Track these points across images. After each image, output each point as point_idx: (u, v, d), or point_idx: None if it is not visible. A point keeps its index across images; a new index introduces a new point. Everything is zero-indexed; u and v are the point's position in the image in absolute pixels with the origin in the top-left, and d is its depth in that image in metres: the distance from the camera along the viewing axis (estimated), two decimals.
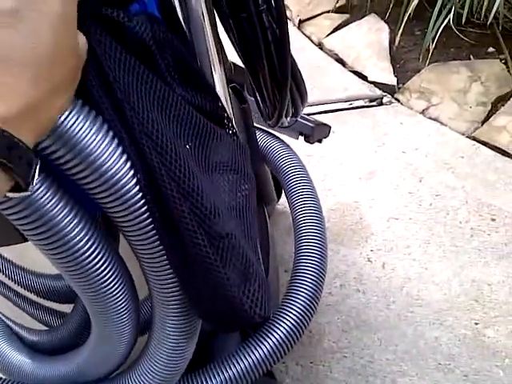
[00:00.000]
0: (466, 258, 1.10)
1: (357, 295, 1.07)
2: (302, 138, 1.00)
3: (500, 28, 1.53)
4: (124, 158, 0.39)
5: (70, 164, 0.37)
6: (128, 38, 0.40)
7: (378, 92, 1.52)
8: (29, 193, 0.32)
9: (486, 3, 1.43)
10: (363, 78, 1.58)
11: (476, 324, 1.00)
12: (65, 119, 0.36)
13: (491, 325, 1.00)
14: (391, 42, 1.67)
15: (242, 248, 0.44)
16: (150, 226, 0.40)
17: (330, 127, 1.04)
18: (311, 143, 1.02)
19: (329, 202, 1.25)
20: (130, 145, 0.39)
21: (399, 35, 1.63)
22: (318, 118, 1.43)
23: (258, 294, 0.45)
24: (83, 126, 0.37)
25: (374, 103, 1.49)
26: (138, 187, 0.39)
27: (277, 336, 0.69)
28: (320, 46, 1.74)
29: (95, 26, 0.38)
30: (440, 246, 1.13)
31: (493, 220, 1.15)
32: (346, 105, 1.50)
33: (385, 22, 1.74)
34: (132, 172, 0.39)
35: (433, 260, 1.11)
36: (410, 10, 1.60)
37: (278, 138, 1.01)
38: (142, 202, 0.39)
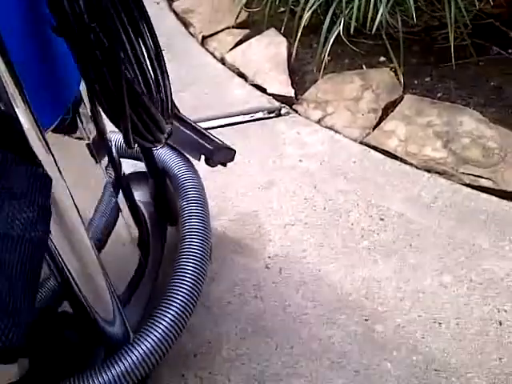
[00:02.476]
0: (356, 258, 1.15)
1: (255, 302, 1.10)
2: None
3: (388, 38, 1.62)
4: None
5: None
6: None
7: (277, 104, 1.57)
8: None
9: (370, 13, 1.51)
10: (263, 90, 1.63)
11: (366, 320, 1.05)
12: None
13: (380, 320, 1.05)
14: (289, 55, 1.73)
15: None
16: None
17: (235, 151, 1.06)
18: (211, 166, 1.04)
19: (229, 212, 1.28)
20: None
21: (296, 48, 1.69)
22: (220, 131, 1.47)
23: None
24: None
25: (272, 115, 1.53)
26: None
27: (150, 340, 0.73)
28: (222, 61, 1.78)
29: None
30: (333, 247, 1.17)
31: (381, 220, 1.22)
32: (246, 117, 1.54)
33: (283, 35, 1.80)
34: None
35: (326, 262, 1.15)
36: (304, 22, 1.66)
37: (179, 153, 1.04)
38: None
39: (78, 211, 0.61)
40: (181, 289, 0.86)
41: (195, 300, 0.86)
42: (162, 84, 0.67)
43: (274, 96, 1.59)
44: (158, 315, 0.84)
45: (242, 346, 1.03)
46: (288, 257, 1.17)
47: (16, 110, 0.46)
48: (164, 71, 0.67)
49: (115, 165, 0.86)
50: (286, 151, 1.41)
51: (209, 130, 1.06)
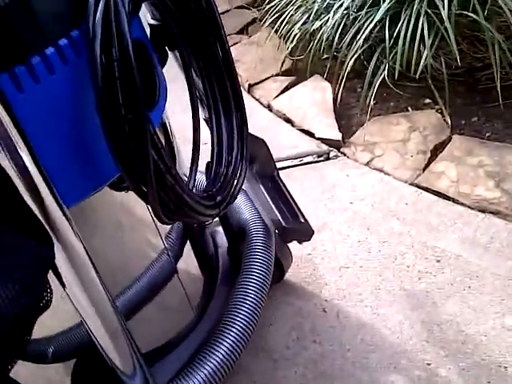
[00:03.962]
0: (415, 301, 1.14)
1: (313, 346, 1.10)
2: None
3: (432, 80, 1.64)
4: None
5: None
6: None
7: (325, 147, 1.60)
8: None
9: (414, 58, 1.54)
10: (311, 135, 1.66)
11: (428, 364, 1.03)
12: None
13: (443, 364, 1.03)
14: (335, 99, 1.76)
15: None
16: None
17: (312, 232, 1.02)
18: (285, 241, 1.02)
19: None
20: None
21: (341, 93, 1.73)
22: None
23: None
24: None
25: (321, 158, 1.56)
26: None
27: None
28: (269, 107, 1.83)
29: None
30: (390, 290, 1.17)
31: (438, 261, 1.21)
32: (296, 161, 1.57)
33: (328, 81, 1.85)
34: None
35: (384, 305, 1.15)
36: (348, 68, 1.70)
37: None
38: None
39: (102, 281, 0.62)
40: (241, 312, 0.87)
41: (253, 326, 0.86)
42: (233, 162, 0.70)
43: (322, 140, 1.63)
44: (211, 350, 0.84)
45: None
46: (345, 300, 1.17)
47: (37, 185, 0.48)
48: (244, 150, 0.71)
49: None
50: (337, 194, 1.43)
51: None
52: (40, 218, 0.49)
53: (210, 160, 0.75)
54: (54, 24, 0.47)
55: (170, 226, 0.88)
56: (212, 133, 0.73)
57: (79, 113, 0.51)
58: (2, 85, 0.44)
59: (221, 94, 0.75)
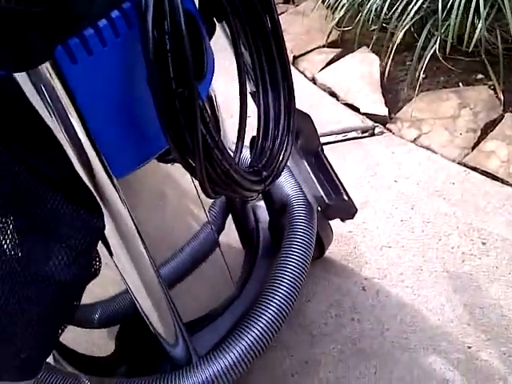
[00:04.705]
0: (458, 283, 1.12)
1: (352, 324, 1.10)
2: None
3: (486, 54, 1.57)
4: None
5: None
6: None
7: (370, 123, 1.57)
8: None
9: (467, 30, 1.48)
10: (356, 110, 1.63)
11: (469, 348, 1.02)
12: None
13: (484, 348, 1.01)
14: (382, 73, 1.72)
15: None
16: None
17: (356, 210, 1.00)
18: (328, 219, 1.00)
19: None
20: None
21: (389, 66, 1.68)
22: None
23: None
24: None
25: (366, 134, 1.53)
26: None
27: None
28: (313, 80, 1.80)
29: None
30: (432, 272, 1.15)
31: (483, 244, 1.18)
32: (339, 137, 1.54)
33: (376, 54, 1.80)
34: None
35: (425, 286, 1.13)
36: (398, 40, 1.65)
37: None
38: None
39: (148, 251, 0.63)
40: (281, 287, 0.87)
41: (293, 301, 0.87)
42: (279, 136, 0.69)
43: (367, 115, 1.59)
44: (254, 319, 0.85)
45: (340, 369, 1.03)
46: (385, 280, 1.16)
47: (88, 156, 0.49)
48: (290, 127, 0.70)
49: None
50: (381, 171, 1.40)
51: None
52: (91, 187, 0.49)
53: (255, 134, 0.74)
54: None
55: (213, 199, 0.89)
56: (259, 107, 0.72)
57: (130, 85, 0.51)
58: (57, 57, 0.43)
59: (269, 68, 0.74)
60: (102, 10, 0.46)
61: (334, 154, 1.47)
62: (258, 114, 0.73)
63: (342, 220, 1.03)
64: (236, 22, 0.71)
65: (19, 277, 0.46)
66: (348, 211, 0.99)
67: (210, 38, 0.73)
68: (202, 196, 0.66)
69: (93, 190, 0.50)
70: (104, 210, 0.53)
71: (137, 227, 0.59)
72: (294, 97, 0.80)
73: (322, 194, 0.94)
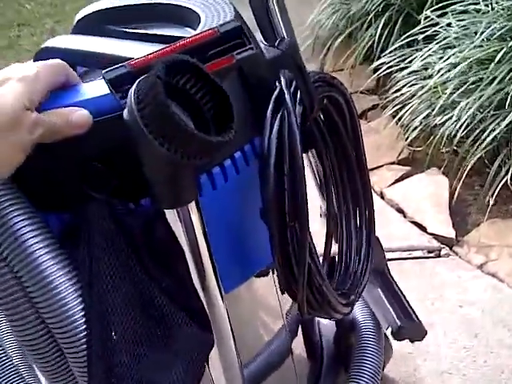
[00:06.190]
0: None
1: None
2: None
3: None
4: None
5: None
6: (125, 227, 0.52)
7: (437, 244, 1.59)
8: None
9: None
10: (422, 229, 1.66)
11: None
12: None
13: None
14: (451, 195, 1.76)
15: None
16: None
17: (426, 332, 1.03)
18: (397, 340, 1.01)
19: None
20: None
21: (459, 189, 1.72)
22: None
23: None
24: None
25: (432, 254, 1.55)
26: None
27: None
28: (381, 195, 1.86)
29: (105, 211, 0.50)
30: None
31: None
32: (404, 254, 1.57)
33: (445, 175, 1.85)
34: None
35: None
36: (470, 165, 1.70)
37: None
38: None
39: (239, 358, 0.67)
40: None
41: None
42: (362, 260, 0.75)
43: (434, 235, 1.62)
44: None
45: None
46: None
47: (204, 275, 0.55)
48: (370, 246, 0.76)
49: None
50: (446, 294, 1.41)
51: None
52: (204, 302, 0.56)
53: (336, 256, 0.80)
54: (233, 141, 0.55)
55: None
56: (341, 233, 0.78)
57: (244, 211, 0.59)
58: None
59: (352, 198, 0.81)
60: (229, 151, 0.55)
61: (398, 272, 1.50)
62: (341, 239, 0.79)
63: (412, 341, 1.04)
64: (327, 156, 0.79)
65: None
66: (418, 333, 1.01)
67: None
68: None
69: (205, 305, 0.56)
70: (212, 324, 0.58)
71: (234, 338, 0.64)
72: (375, 221, 0.87)
73: (394, 315, 0.96)
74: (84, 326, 0.49)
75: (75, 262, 0.50)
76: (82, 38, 0.70)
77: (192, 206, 0.50)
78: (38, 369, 0.56)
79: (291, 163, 0.53)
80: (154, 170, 0.47)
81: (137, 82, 0.44)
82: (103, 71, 0.50)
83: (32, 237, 0.49)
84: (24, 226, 0.48)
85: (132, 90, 0.44)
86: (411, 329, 0.99)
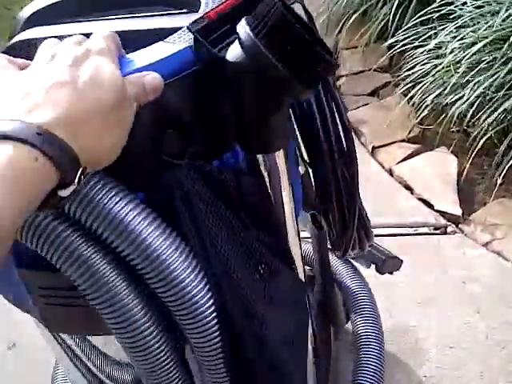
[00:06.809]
0: None
1: None
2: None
3: None
4: (203, 281, 0.50)
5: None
6: (217, 186, 0.53)
7: (443, 221, 1.60)
8: (75, 186, 0.38)
9: None
10: (430, 206, 1.67)
11: None
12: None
13: None
14: (459, 174, 1.76)
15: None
16: (217, 340, 0.51)
17: (402, 261, 1.13)
18: (381, 273, 1.12)
19: (387, 323, 1.31)
20: (207, 269, 0.51)
21: (467, 168, 1.73)
22: (381, 239, 1.53)
23: None
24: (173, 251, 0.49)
25: (438, 231, 1.57)
26: (212, 308, 0.50)
27: None
28: (390, 172, 1.87)
29: (193, 175, 0.51)
30: (493, 380, 1.15)
31: None
32: (410, 230, 1.59)
33: (454, 154, 1.85)
34: (208, 294, 0.50)
35: None
36: (479, 145, 1.70)
37: (349, 262, 1.13)
38: (214, 320, 0.51)
39: None
40: None
41: None
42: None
43: (441, 213, 1.63)
44: None
45: None
46: (444, 381, 1.17)
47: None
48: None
49: None
50: (449, 271, 1.43)
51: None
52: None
53: None
54: None
55: None
56: None
57: None
58: None
59: None
60: None
61: (403, 247, 1.52)
62: None
63: (391, 273, 1.11)
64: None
65: None
66: (396, 265, 1.12)
67: None
68: None
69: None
70: None
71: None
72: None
73: (376, 254, 1.05)
74: (209, 295, 0.49)
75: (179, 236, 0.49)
76: (60, 26, 0.58)
77: (280, 154, 0.52)
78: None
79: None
80: (258, 107, 0.46)
81: (244, 18, 0.44)
82: (187, 25, 0.46)
83: (141, 220, 0.47)
84: (135, 215, 0.47)
85: (243, 22, 0.43)
86: (391, 261, 1.08)
